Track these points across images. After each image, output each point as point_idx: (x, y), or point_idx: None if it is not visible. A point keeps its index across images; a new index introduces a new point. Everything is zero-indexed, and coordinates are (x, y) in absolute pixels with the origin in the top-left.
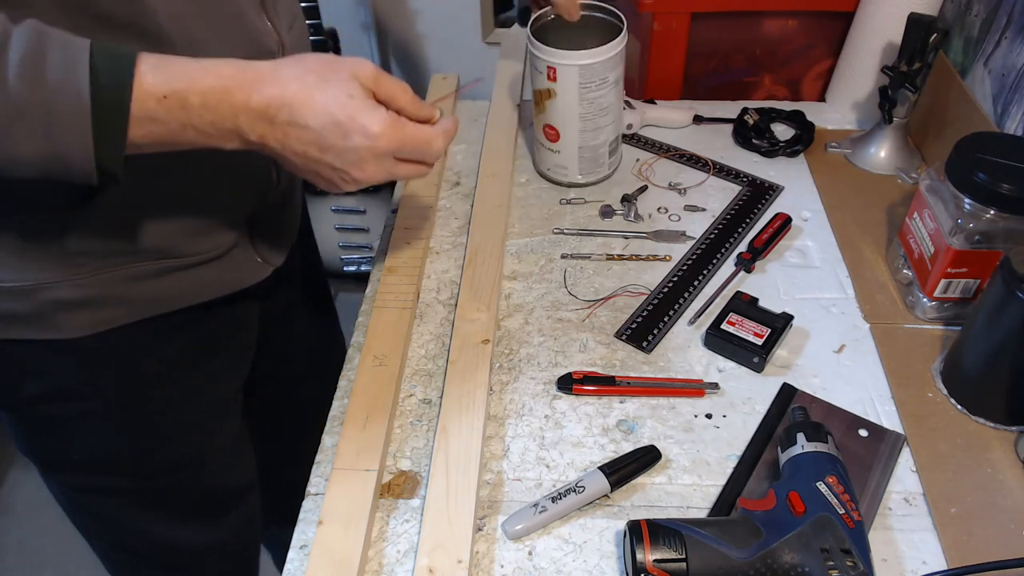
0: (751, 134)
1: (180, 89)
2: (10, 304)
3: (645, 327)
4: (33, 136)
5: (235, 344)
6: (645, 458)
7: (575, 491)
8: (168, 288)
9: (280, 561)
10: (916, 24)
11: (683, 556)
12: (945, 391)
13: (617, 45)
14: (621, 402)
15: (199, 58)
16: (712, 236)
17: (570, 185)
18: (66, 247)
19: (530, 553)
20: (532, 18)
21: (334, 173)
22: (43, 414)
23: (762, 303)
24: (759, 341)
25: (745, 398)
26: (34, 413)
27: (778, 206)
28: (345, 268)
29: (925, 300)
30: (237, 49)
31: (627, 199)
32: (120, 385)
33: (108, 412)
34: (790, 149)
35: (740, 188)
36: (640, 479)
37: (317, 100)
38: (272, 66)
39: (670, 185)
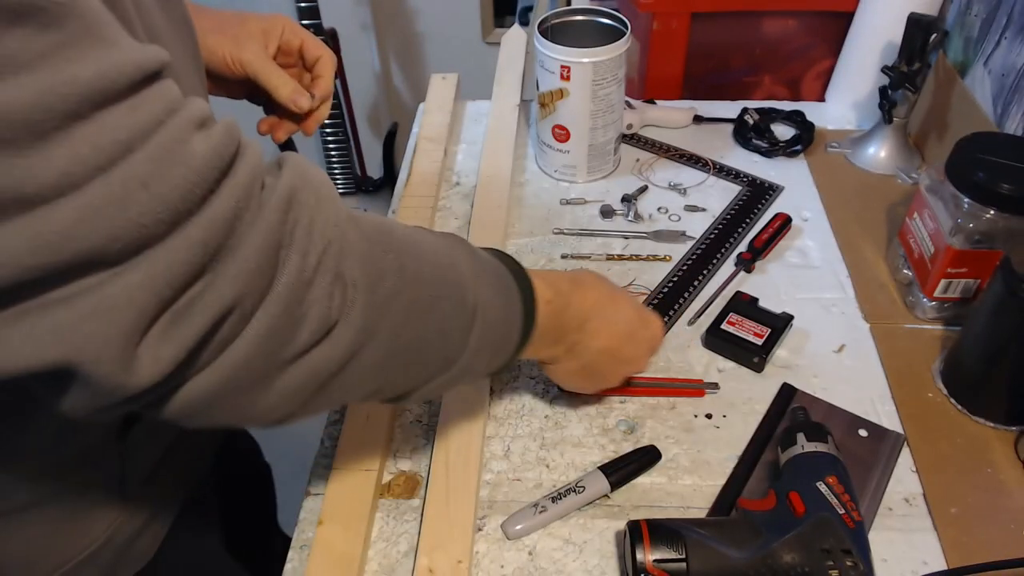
0: (751, 134)
1: (562, 292)
2: None
3: None
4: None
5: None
6: (645, 458)
7: (575, 491)
8: None
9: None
10: (916, 24)
11: (683, 556)
12: (945, 391)
13: (626, 42)
14: (621, 402)
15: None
16: (712, 236)
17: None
18: None
19: (530, 553)
20: (538, 20)
21: (619, 367)
22: None
23: (762, 303)
24: (759, 341)
25: (745, 398)
26: None
27: (778, 206)
28: None
29: (925, 300)
30: None
31: (627, 199)
32: None
33: None
34: (790, 149)
35: (740, 188)
36: (640, 479)
37: (621, 300)
38: (571, 275)
39: (670, 185)
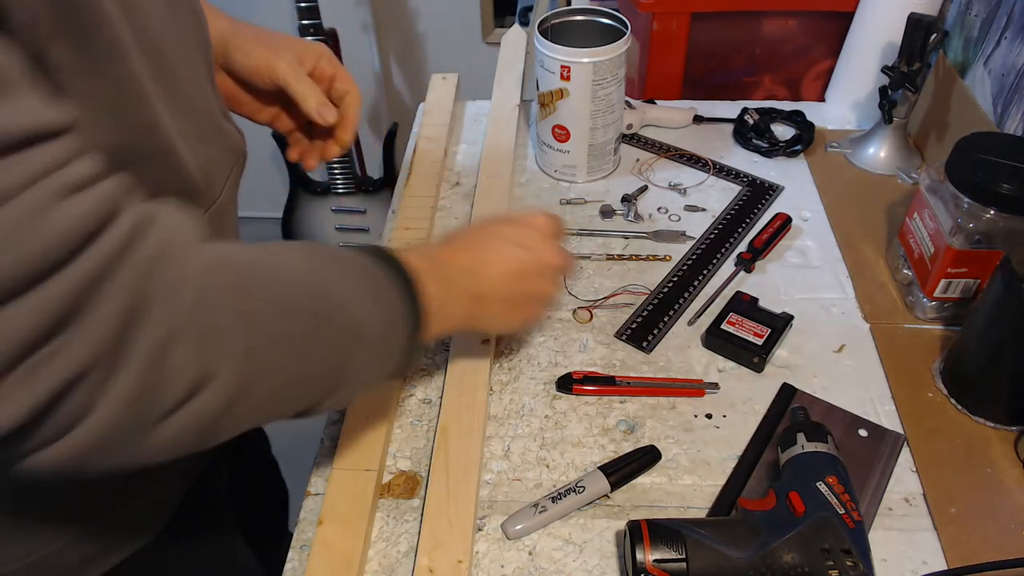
0: (751, 134)
1: (435, 257)
2: None
3: (645, 327)
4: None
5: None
6: (645, 458)
7: (575, 491)
8: None
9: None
10: (916, 24)
11: (683, 556)
12: (945, 391)
13: (626, 42)
14: (621, 402)
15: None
16: (712, 236)
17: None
18: None
19: (530, 553)
20: (538, 20)
21: (535, 280)
22: None
23: (762, 303)
24: (759, 341)
25: (745, 398)
26: None
27: (778, 206)
28: None
29: (925, 300)
30: (225, 157)
31: (627, 199)
32: None
33: None
34: (790, 149)
35: (740, 188)
36: (640, 479)
37: (494, 244)
38: (445, 237)
39: (670, 185)
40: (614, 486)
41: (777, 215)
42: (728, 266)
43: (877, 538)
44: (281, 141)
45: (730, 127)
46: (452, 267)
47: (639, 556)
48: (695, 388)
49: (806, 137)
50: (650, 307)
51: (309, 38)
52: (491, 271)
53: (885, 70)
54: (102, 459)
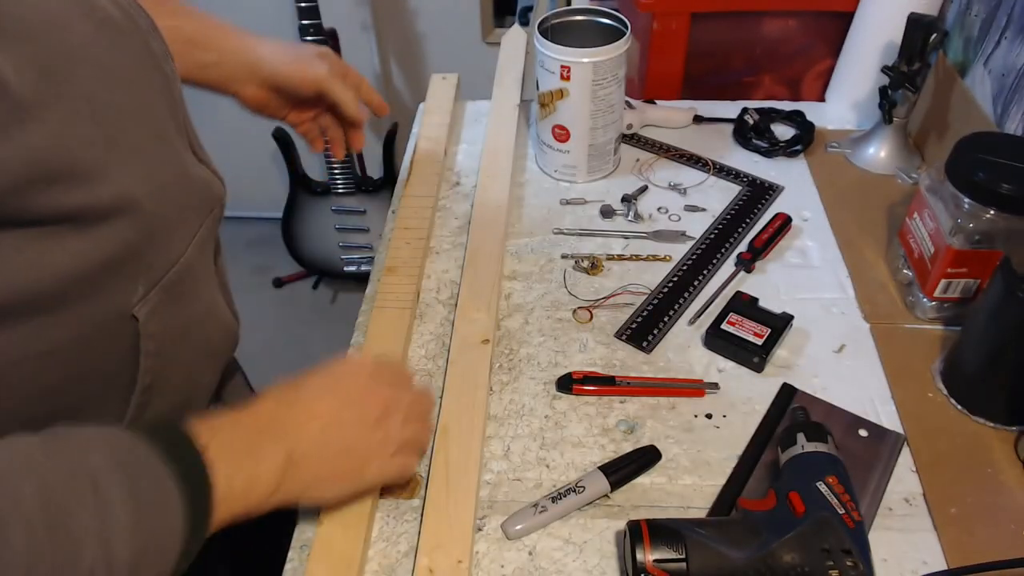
0: (751, 134)
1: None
2: None
3: (645, 327)
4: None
5: None
6: (645, 458)
7: (575, 491)
8: None
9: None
10: (916, 24)
11: (683, 556)
12: (945, 391)
13: (626, 42)
14: (621, 402)
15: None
16: (712, 236)
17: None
18: None
19: (530, 553)
20: (538, 20)
21: (369, 429)
22: None
23: (762, 303)
24: (759, 341)
25: (745, 398)
26: None
27: (778, 206)
28: (345, 268)
29: (925, 300)
30: (192, 202)
31: (627, 199)
32: None
33: None
34: (790, 149)
35: (740, 188)
36: (640, 479)
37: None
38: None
39: (670, 185)
40: (614, 486)
41: (777, 215)
42: (728, 266)
43: (877, 538)
44: (281, 141)
45: (730, 127)
46: (253, 428)
47: (639, 556)
48: (695, 388)
49: (806, 137)
50: (650, 307)
51: (309, 38)
52: (304, 428)
53: (885, 70)
54: None
